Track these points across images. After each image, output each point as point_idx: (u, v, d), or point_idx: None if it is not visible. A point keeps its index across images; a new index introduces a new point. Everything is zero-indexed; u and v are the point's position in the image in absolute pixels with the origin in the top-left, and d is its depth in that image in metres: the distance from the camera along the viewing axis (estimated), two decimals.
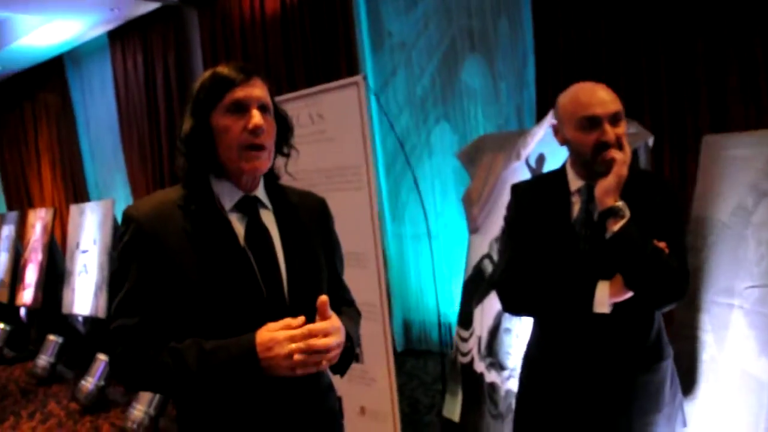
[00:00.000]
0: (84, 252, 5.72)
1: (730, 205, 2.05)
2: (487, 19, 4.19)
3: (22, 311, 6.67)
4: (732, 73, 2.95)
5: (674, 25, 3.11)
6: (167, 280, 1.30)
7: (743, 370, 1.97)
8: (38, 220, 6.63)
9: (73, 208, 6.14)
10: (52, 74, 7.72)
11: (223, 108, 1.32)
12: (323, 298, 1.30)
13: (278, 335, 1.24)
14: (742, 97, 2.92)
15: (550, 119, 2.42)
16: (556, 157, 2.54)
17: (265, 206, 1.43)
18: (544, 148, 2.58)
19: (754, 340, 1.94)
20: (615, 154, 1.62)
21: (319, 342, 1.24)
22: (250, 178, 1.38)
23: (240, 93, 1.32)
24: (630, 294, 1.64)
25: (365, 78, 2.89)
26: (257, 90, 1.35)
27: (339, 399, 1.59)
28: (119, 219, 5.62)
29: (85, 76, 7.52)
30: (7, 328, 6.47)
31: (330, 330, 1.27)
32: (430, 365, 4.90)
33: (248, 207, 1.39)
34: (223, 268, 1.31)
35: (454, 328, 4.66)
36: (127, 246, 1.32)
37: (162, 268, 1.30)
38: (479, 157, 2.79)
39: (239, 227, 1.37)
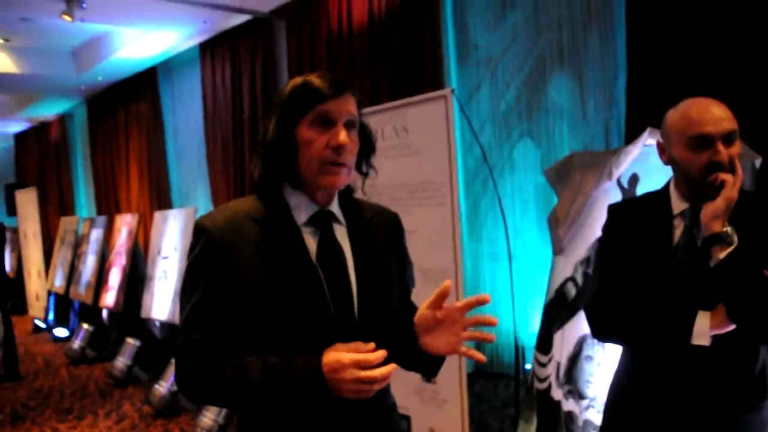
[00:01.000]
0: (165, 258, 5.90)
1: None
2: (577, 32, 4.06)
3: (105, 313, 6.94)
4: None
5: None
6: (236, 295, 1.27)
7: None
8: (124, 225, 6.90)
9: (157, 215, 6.35)
10: (145, 84, 8.07)
11: (309, 120, 1.29)
12: (447, 283, 1.32)
13: (344, 358, 1.21)
14: None
15: (645, 137, 2.31)
16: (650, 177, 2.42)
17: (338, 221, 1.40)
18: (638, 168, 2.46)
19: None
20: (726, 176, 1.50)
21: (383, 371, 1.22)
22: (326, 193, 1.35)
23: (330, 106, 1.29)
24: (733, 327, 1.52)
25: (453, 92, 2.84)
26: (347, 105, 1.31)
27: (406, 419, 1.54)
28: None
29: (176, 85, 7.81)
30: (90, 328, 6.75)
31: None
32: (500, 388, 4.75)
33: (322, 222, 1.36)
34: (293, 284, 1.28)
35: (529, 351, 4.52)
36: (197, 258, 1.30)
37: (231, 282, 1.27)
38: (568, 175, 2.68)
39: (311, 243, 1.34)
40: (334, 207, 1.40)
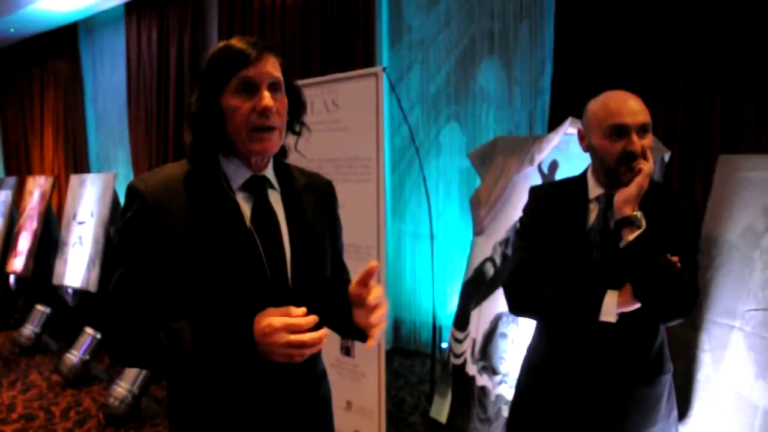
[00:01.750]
0: (81, 224, 5.68)
1: (740, 226, 2.04)
2: (508, 22, 4.18)
3: (12, 279, 6.63)
4: (749, 93, 2.95)
5: (695, 40, 3.10)
6: (170, 258, 1.27)
7: (737, 391, 1.96)
8: (36, 188, 6.59)
9: (74, 178, 6.10)
10: (64, 41, 7.67)
11: (232, 87, 1.28)
12: (372, 264, 1.30)
13: (276, 321, 1.22)
14: (759, 118, 2.92)
15: (566, 126, 2.42)
16: (569, 164, 2.54)
17: (273, 187, 1.40)
18: (558, 155, 2.57)
19: (753, 363, 1.94)
20: (643, 164, 1.61)
21: (314, 336, 1.23)
22: (259, 158, 1.35)
23: (251, 71, 1.27)
24: (637, 305, 1.63)
25: (385, 70, 2.87)
26: (268, 67, 1.30)
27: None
28: (120, 193, 5.60)
29: (97, 46, 7.48)
30: None
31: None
32: (417, 365, 4.88)
33: (256, 187, 1.36)
34: (228, 248, 1.29)
35: (447, 330, 4.65)
36: (130, 221, 1.29)
37: (165, 246, 1.27)
38: (491, 158, 2.78)
39: (246, 207, 1.34)
40: (269, 172, 1.40)
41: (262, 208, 1.36)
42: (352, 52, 4.65)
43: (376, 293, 1.32)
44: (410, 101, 4.72)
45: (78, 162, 7.69)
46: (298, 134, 1.46)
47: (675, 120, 3.19)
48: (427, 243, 4.86)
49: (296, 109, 1.42)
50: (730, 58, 3.00)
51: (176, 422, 1.42)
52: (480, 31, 4.35)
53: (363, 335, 1.40)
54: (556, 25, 3.71)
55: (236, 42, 1.31)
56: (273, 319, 1.23)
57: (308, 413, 1.43)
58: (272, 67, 1.31)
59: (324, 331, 1.26)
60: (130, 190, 1.30)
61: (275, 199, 1.40)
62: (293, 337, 1.22)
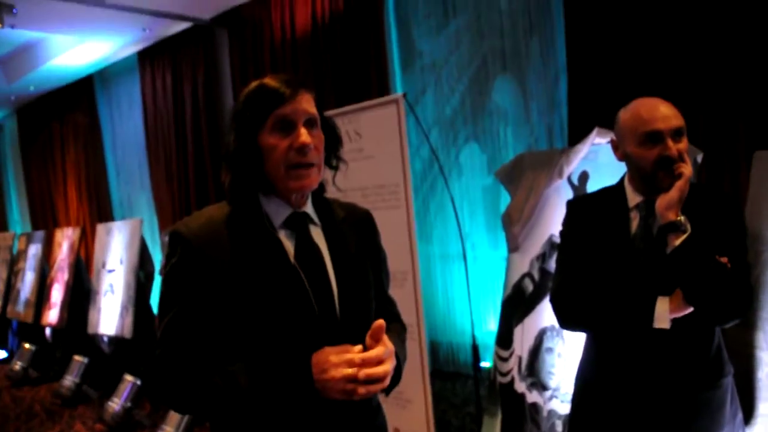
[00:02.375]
0: (110, 272, 5.74)
1: None
2: (518, 38, 4.20)
3: (48, 331, 6.69)
4: None
5: (711, 42, 3.10)
6: (217, 301, 1.28)
7: None
8: (65, 239, 6.68)
9: (100, 228, 6.18)
10: (81, 94, 7.84)
11: (269, 126, 1.29)
12: (380, 322, 1.28)
13: (334, 358, 1.23)
14: None
15: (594, 137, 2.43)
16: (599, 174, 2.54)
17: (314, 222, 1.41)
18: (587, 165, 2.57)
19: None
20: (683, 168, 1.61)
21: (375, 371, 1.23)
22: (298, 195, 1.36)
23: (286, 110, 1.29)
24: (690, 309, 1.62)
25: (405, 96, 2.90)
26: (304, 103, 1.30)
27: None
28: (146, 238, 5.65)
29: (114, 95, 7.63)
30: (33, 348, 6.49)
31: (383, 356, 1.26)
32: (458, 387, 4.84)
33: (297, 224, 1.37)
34: (275, 287, 1.29)
35: (484, 349, 4.62)
36: (176, 266, 1.30)
37: (212, 288, 1.27)
38: (519, 175, 2.78)
39: (289, 245, 1.34)
40: (308, 208, 1.41)
41: (306, 244, 1.37)
42: (365, 80, 4.70)
43: (377, 351, 1.27)
44: (427, 125, 4.75)
45: (102, 211, 7.80)
46: (336, 169, 1.46)
47: (697, 122, 3.17)
48: (456, 264, 4.85)
49: (333, 143, 1.43)
50: (751, 55, 2.99)
51: None
52: (491, 50, 4.38)
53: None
54: (567, 37, 3.72)
55: (270, 80, 1.32)
56: (331, 355, 1.23)
57: None
58: (307, 104, 1.32)
59: (388, 366, 1.26)
60: (174, 236, 1.31)
61: (317, 234, 1.41)
62: (351, 371, 1.22)
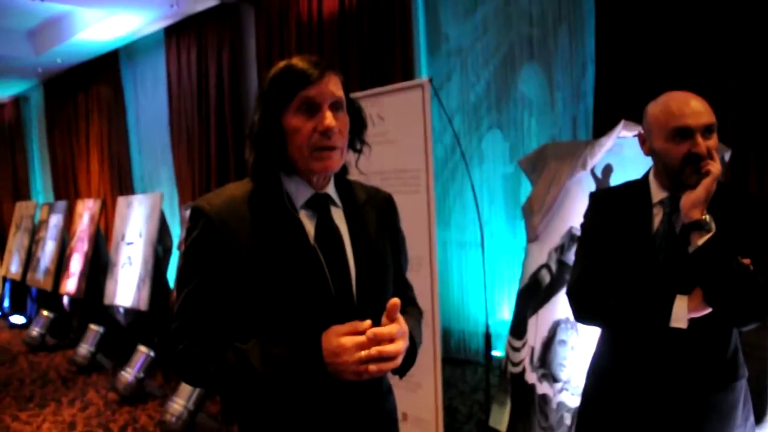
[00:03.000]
0: (129, 244, 5.81)
1: None
2: (547, 26, 4.15)
3: (65, 300, 6.80)
4: None
5: (742, 35, 3.03)
6: (235, 278, 1.28)
7: None
8: (86, 211, 6.76)
9: (121, 200, 6.24)
10: (107, 68, 7.89)
11: (294, 107, 1.28)
12: (395, 301, 1.28)
13: (346, 341, 1.23)
14: None
15: (620, 129, 2.39)
16: (623, 168, 2.51)
17: (335, 204, 1.41)
18: (611, 158, 2.54)
19: None
20: (711, 166, 1.58)
21: (387, 348, 1.24)
22: (321, 177, 1.36)
23: (312, 91, 1.28)
24: (709, 310, 1.60)
25: (431, 81, 2.88)
26: (330, 86, 1.29)
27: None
28: (166, 213, 5.70)
29: (139, 70, 7.67)
30: (50, 315, 6.61)
31: (396, 334, 1.26)
32: (468, 374, 4.85)
33: (319, 205, 1.37)
34: (293, 266, 1.29)
35: (496, 338, 4.62)
36: (196, 242, 1.30)
37: (231, 265, 1.28)
38: (542, 165, 2.76)
39: (309, 225, 1.34)
40: (330, 189, 1.40)
41: (326, 225, 1.36)
42: (391, 63, 4.67)
43: (390, 328, 1.27)
44: (450, 111, 4.72)
45: (123, 184, 7.88)
46: (359, 152, 1.45)
47: (725, 118, 3.12)
48: (472, 251, 4.84)
49: (358, 126, 1.42)
50: None
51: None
52: (518, 37, 4.33)
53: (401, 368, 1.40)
54: (596, 27, 3.67)
55: (298, 61, 1.31)
56: (343, 339, 1.23)
57: (376, 428, 1.43)
58: (334, 86, 1.31)
59: (399, 345, 1.26)
60: (196, 210, 1.32)
61: (338, 216, 1.40)
62: (365, 353, 1.22)
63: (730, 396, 1.72)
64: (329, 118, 1.28)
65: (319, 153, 1.29)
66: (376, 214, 1.47)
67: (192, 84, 6.46)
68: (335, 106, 1.31)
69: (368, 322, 1.26)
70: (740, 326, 1.67)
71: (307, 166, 1.31)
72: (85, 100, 8.48)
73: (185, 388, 4.05)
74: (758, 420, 1.99)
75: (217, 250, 1.28)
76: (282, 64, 1.34)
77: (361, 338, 1.24)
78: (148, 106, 7.56)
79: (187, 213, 1.38)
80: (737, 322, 1.65)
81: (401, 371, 1.42)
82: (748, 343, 2.05)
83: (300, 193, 1.35)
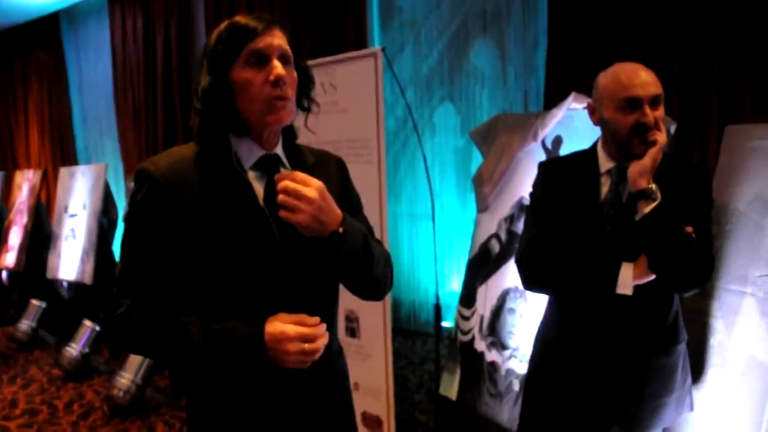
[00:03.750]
0: (72, 216, 5.63)
1: (749, 195, 2.06)
2: (500, 1, 4.16)
3: (4, 274, 6.57)
4: (745, 63, 2.96)
5: (691, 12, 3.10)
6: (181, 240, 1.25)
7: (750, 355, 1.99)
8: (25, 182, 6.51)
9: (63, 171, 6.03)
10: (46, 32, 7.53)
11: (242, 61, 1.26)
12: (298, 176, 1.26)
13: (289, 330, 1.22)
14: (755, 88, 2.93)
15: (570, 101, 2.42)
16: (573, 139, 2.55)
17: (284, 165, 1.38)
18: (562, 130, 2.58)
19: (765, 328, 1.97)
20: (658, 136, 1.61)
21: (324, 342, 1.26)
22: (272, 132, 1.34)
23: (259, 44, 1.26)
24: (653, 277, 1.64)
25: (384, 50, 2.85)
26: (277, 39, 1.28)
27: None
28: (111, 185, 5.52)
29: (81, 36, 7.35)
30: None
31: (318, 332, 1.26)
32: (418, 345, 4.92)
33: (268, 166, 1.34)
34: (241, 229, 1.27)
35: (446, 309, 4.67)
36: (140, 205, 1.27)
37: (177, 228, 1.25)
38: (493, 136, 2.78)
39: (258, 187, 1.32)
40: (279, 150, 1.38)
41: (275, 187, 1.32)
42: (343, 33, 4.61)
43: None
44: (403, 82, 4.70)
45: (65, 154, 7.60)
46: (308, 111, 1.43)
47: (671, 92, 3.20)
48: (423, 224, 4.87)
49: (305, 84, 1.39)
50: (725, 29, 3.01)
51: (192, 405, 1.41)
52: (472, 11, 4.33)
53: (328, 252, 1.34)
54: (549, 3, 3.69)
55: (242, 18, 1.30)
56: (287, 327, 1.23)
57: (326, 391, 1.43)
58: (280, 40, 1.29)
59: (326, 335, 1.28)
60: (140, 173, 1.28)
61: None
62: (307, 347, 1.23)
63: (671, 359, 1.79)
64: (279, 68, 1.26)
65: (272, 104, 1.27)
66: (326, 176, 1.43)
67: (138, 52, 6.24)
68: (283, 59, 1.29)
69: (316, 318, 1.27)
70: (682, 292, 1.73)
71: (261, 119, 1.28)
72: (22, 67, 8.11)
73: (133, 363, 3.98)
74: (696, 381, 2.07)
75: (162, 212, 1.25)
76: (226, 22, 1.31)
77: (306, 330, 1.23)
78: (92, 73, 7.28)
79: (132, 185, 1.34)
80: (679, 288, 1.70)
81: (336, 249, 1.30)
82: (687, 309, 2.13)
83: (249, 153, 1.33)
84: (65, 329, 5.23)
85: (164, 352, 1.29)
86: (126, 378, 3.93)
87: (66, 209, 5.75)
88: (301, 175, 1.26)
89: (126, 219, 1.31)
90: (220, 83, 1.27)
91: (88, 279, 5.18)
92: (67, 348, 4.68)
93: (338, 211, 1.29)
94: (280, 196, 1.23)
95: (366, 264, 1.35)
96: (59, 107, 7.61)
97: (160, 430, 3.69)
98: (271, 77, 1.25)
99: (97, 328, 4.66)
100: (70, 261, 5.49)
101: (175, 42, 5.89)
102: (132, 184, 1.33)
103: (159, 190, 1.25)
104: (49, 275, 5.75)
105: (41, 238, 6.14)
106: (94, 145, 7.55)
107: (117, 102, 6.63)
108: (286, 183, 1.23)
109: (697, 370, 2.09)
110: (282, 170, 1.37)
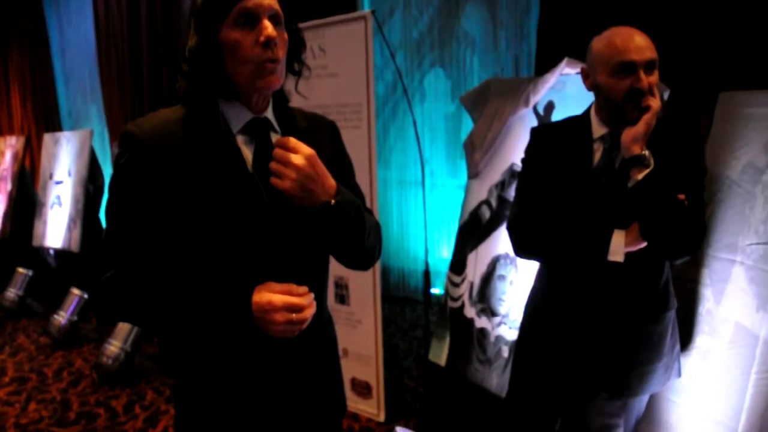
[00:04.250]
0: (58, 183, 5.57)
1: (741, 162, 2.05)
2: None
3: None
4: (742, 30, 2.92)
5: None
6: (167, 207, 1.22)
7: (738, 323, 2.00)
8: (8, 149, 6.41)
9: (47, 137, 5.94)
10: None
11: (230, 20, 1.21)
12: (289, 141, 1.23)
13: (276, 300, 1.19)
14: (751, 56, 2.90)
15: (563, 67, 2.39)
16: (566, 105, 2.51)
17: (274, 129, 1.34)
18: (554, 96, 2.54)
19: (753, 296, 1.97)
20: (651, 102, 1.58)
21: (312, 311, 1.23)
22: (261, 96, 1.29)
23: (250, 2, 1.20)
24: (645, 244, 1.63)
25: (374, 13, 2.79)
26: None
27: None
28: (96, 151, 5.44)
29: None
30: None
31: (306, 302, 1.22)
32: (407, 311, 4.94)
33: (257, 130, 1.30)
34: (230, 195, 1.24)
35: (435, 275, 4.68)
36: (125, 166, 1.23)
37: (162, 192, 1.21)
38: (484, 102, 2.74)
39: (247, 152, 1.28)
40: (269, 114, 1.34)
41: (265, 152, 1.29)
42: None
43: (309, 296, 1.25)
44: (393, 47, 4.64)
45: (49, 120, 7.48)
46: (299, 74, 1.38)
47: (665, 58, 3.15)
48: (412, 190, 4.85)
49: (296, 46, 1.34)
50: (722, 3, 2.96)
51: (180, 374, 1.39)
52: None
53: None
54: None
55: None
56: (274, 296, 1.20)
57: (315, 360, 1.42)
58: (271, 0, 1.24)
59: (313, 304, 1.25)
60: (124, 136, 1.23)
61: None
62: (295, 316, 1.20)
63: (660, 326, 1.79)
64: (269, 28, 1.21)
65: (262, 67, 1.22)
66: (317, 140, 1.39)
67: (121, 12, 6.09)
68: (274, 20, 1.24)
69: (304, 288, 1.23)
70: (673, 259, 1.73)
71: (252, 82, 1.23)
72: (0, 31, 7.91)
73: (122, 330, 3.97)
74: (684, 348, 2.08)
75: (147, 176, 1.21)
76: None
77: (294, 299, 1.20)
78: (74, 37, 7.12)
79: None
80: (671, 256, 1.70)
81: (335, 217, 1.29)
82: (677, 276, 2.13)
83: (237, 117, 1.29)
84: (53, 297, 5.21)
85: (151, 321, 1.26)
86: (115, 345, 3.93)
87: (51, 176, 5.68)
88: (293, 141, 1.22)
89: (110, 183, 1.27)
90: (208, 44, 1.22)
91: (75, 246, 5.14)
92: (55, 316, 4.66)
93: (331, 182, 1.27)
94: (271, 162, 1.20)
95: (357, 236, 1.33)
96: (41, 72, 7.46)
97: (150, 397, 3.70)
98: (261, 38, 1.20)
99: (86, 295, 4.64)
100: (56, 229, 5.44)
101: (159, 3, 5.75)
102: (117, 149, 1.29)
103: (144, 153, 1.21)
104: (35, 243, 5.70)
105: (26, 205, 6.07)
106: (78, 111, 7.43)
107: (101, 65, 6.51)
108: (276, 149, 1.21)
109: (686, 337, 2.10)
110: (272, 135, 1.34)
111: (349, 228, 1.30)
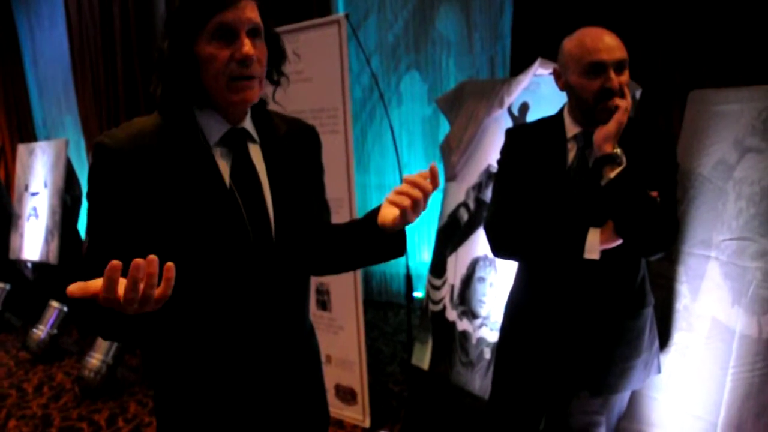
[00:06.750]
0: (34, 195, 5.49)
1: (712, 159, 2.07)
2: None
3: None
4: (710, 29, 2.96)
5: None
6: (144, 220, 1.18)
7: (714, 318, 2.02)
8: None
9: (22, 148, 5.86)
10: None
11: (208, 33, 1.17)
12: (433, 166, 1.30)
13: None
14: (721, 54, 2.94)
15: (536, 67, 2.40)
16: (540, 105, 2.53)
17: (252, 140, 1.32)
18: (528, 96, 2.56)
19: (729, 291, 1.99)
20: (619, 101, 1.60)
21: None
22: (237, 110, 1.26)
23: (228, 16, 1.16)
24: (620, 241, 1.65)
25: (348, 17, 2.79)
26: (247, 11, 1.18)
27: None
28: (74, 161, 5.35)
29: (33, 6, 7.06)
30: None
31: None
32: (390, 316, 4.94)
33: (235, 141, 1.28)
34: (208, 210, 1.21)
35: (417, 279, 4.68)
36: (99, 181, 1.19)
37: (139, 205, 1.18)
38: (460, 103, 2.75)
39: (224, 164, 1.26)
40: (247, 124, 1.31)
41: (243, 164, 1.28)
42: (306, 0, 4.50)
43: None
44: (368, 51, 4.63)
45: (23, 130, 7.36)
46: (277, 84, 1.36)
47: (638, 58, 3.18)
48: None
49: (276, 56, 1.32)
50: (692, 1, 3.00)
51: (162, 387, 1.37)
52: None
53: (395, 243, 1.38)
54: None
55: None
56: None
57: (297, 371, 1.41)
58: (251, 12, 1.19)
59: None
60: (98, 147, 1.19)
61: (255, 153, 1.32)
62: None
63: (638, 323, 1.81)
64: (247, 46, 1.17)
65: (236, 83, 1.19)
66: (297, 147, 1.39)
67: (95, 18, 6.00)
68: (253, 33, 1.20)
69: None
70: (648, 256, 1.74)
71: (225, 97, 1.21)
72: None
73: (103, 342, 3.93)
74: (663, 345, 2.10)
75: (122, 188, 1.17)
76: None
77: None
78: (47, 45, 7.01)
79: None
80: (645, 252, 1.72)
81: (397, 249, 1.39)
82: (654, 273, 2.15)
83: (214, 128, 1.26)
84: (31, 311, 5.13)
85: (133, 336, 1.21)
86: (96, 358, 3.88)
87: (27, 188, 5.60)
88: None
89: (87, 198, 1.24)
90: (184, 55, 1.19)
91: (53, 259, 5.07)
92: (35, 330, 4.59)
93: None
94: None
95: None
96: (13, 81, 7.33)
97: (133, 410, 3.66)
98: (238, 55, 1.17)
99: (65, 308, 4.58)
100: (33, 241, 5.36)
101: (133, 9, 5.68)
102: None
103: (117, 165, 1.17)
104: (12, 256, 5.62)
105: (2, 217, 5.98)
106: (53, 120, 7.33)
107: (75, 74, 6.42)
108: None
109: (664, 334, 2.12)
110: (250, 145, 1.31)
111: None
